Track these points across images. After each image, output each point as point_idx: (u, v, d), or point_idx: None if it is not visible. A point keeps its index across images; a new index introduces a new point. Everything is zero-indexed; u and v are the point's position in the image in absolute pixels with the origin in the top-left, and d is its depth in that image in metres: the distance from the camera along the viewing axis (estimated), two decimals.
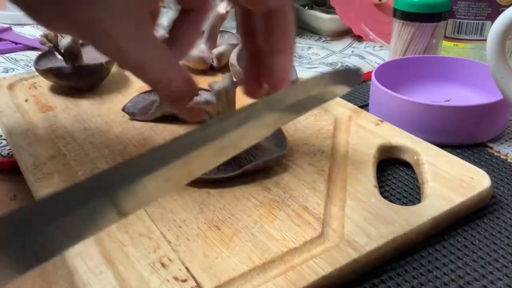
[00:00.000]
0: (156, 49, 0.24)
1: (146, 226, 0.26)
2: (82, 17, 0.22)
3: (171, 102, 0.26)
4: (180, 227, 0.26)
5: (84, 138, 0.35)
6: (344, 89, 0.24)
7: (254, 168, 0.30)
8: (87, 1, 0.22)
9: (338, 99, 0.40)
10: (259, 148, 0.30)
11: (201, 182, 0.29)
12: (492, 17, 0.47)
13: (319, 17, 0.64)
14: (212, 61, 0.46)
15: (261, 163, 0.30)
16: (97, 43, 0.23)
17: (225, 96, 0.28)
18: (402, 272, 0.25)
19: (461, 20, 0.49)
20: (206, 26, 0.47)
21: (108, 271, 0.23)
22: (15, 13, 0.66)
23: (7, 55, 0.58)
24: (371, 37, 0.60)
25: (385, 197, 0.29)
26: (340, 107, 0.39)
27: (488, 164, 0.34)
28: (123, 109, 0.38)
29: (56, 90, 0.43)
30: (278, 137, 0.33)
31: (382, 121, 0.36)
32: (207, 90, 0.29)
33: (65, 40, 0.41)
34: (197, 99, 0.27)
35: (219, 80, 0.29)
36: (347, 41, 0.63)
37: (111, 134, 0.36)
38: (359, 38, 0.63)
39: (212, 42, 0.47)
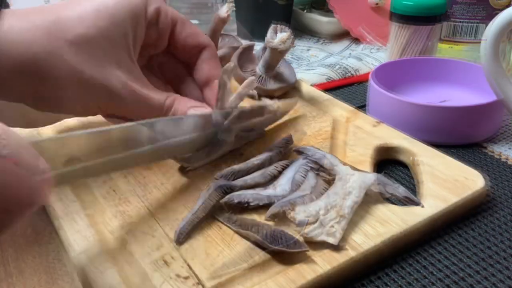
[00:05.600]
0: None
1: (149, 225, 0.27)
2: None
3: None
4: None
5: None
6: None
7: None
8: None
9: (336, 101, 0.41)
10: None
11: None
12: (487, 20, 0.48)
13: (318, 20, 0.65)
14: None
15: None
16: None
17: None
18: (398, 268, 0.25)
19: (456, 23, 0.50)
20: (207, 30, 0.48)
21: (112, 268, 0.24)
22: None
23: None
24: (368, 39, 0.61)
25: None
26: (338, 108, 0.39)
27: (483, 163, 0.35)
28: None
29: None
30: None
31: (379, 122, 0.37)
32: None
33: None
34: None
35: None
36: (345, 43, 0.64)
37: None
38: (357, 40, 0.64)
39: None
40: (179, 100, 0.32)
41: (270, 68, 0.42)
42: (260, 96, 0.44)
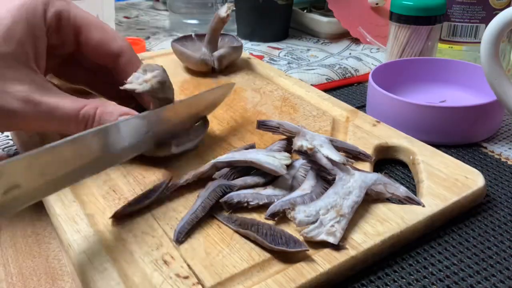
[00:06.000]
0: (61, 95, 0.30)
1: (149, 224, 0.27)
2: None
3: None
4: None
5: None
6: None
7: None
8: None
9: (335, 100, 0.41)
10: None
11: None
12: (486, 20, 0.48)
13: (318, 20, 0.65)
14: (213, 64, 0.47)
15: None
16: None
17: None
18: (398, 268, 0.25)
19: (456, 23, 0.50)
20: (207, 29, 0.48)
21: (112, 268, 0.23)
22: None
23: None
24: (368, 40, 0.61)
25: None
26: (337, 108, 0.39)
27: (482, 163, 0.35)
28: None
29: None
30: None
31: (378, 122, 0.37)
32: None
33: None
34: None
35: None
36: (345, 43, 0.64)
37: None
38: (356, 41, 0.64)
39: (213, 45, 0.48)
40: (104, 107, 0.30)
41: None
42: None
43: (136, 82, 0.30)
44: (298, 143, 0.29)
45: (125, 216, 0.27)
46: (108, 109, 0.30)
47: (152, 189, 0.28)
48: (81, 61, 0.35)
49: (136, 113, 0.30)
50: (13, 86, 0.28)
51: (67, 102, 0.29)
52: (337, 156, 0.29)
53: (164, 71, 0.31)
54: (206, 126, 0.35)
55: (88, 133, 0.24)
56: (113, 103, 0.31)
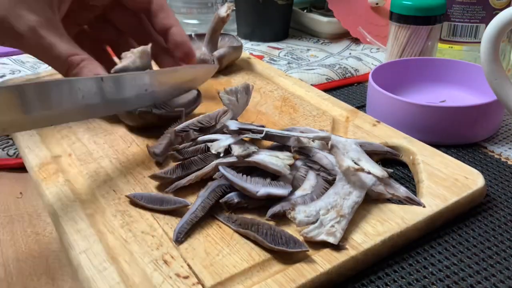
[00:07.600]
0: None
1: (149, 224, 0.27)
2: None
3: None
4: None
5: (88, 137, 0.36)
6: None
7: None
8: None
9: (335, 100, 0.41)
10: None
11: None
12: (486, 20, 0.48)
13: (318, 20, 0.65)
14: (213, 63, 0.47)
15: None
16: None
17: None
18: (398, 268, 0.25)
19: (456, 23, 0.50)
20: (207, 29, 0.48)
21: (112, 268, 0.24)
22: None
23: (14, 57, 0.59)
24: (368, 40, 0.61)
25: None
26: (337, 108, 0.39)
27: (482, 163, 0.35)
28: (148, 151, 0.33)
29: None
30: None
31: (378, 122, 0.37)
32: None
33: None
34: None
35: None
36: (345, 43, 0.64)
37: (114, 134, 0.36)
38: (356, 41, 0.64)
39: (213, 44, 0.48)
40: (87, 62, 0.32)
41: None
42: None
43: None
44: (344, 164, 0.28)
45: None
46: (89, 67, 0.32)
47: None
48: (114, 21, 0.39)
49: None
50: (29, 13, 0.30)
51: (64, 45, 0.32)
52: (380, 172, 0.28)
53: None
54: (198, 101, 0.39)
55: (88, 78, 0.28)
56: (99, 64, 0.33)
